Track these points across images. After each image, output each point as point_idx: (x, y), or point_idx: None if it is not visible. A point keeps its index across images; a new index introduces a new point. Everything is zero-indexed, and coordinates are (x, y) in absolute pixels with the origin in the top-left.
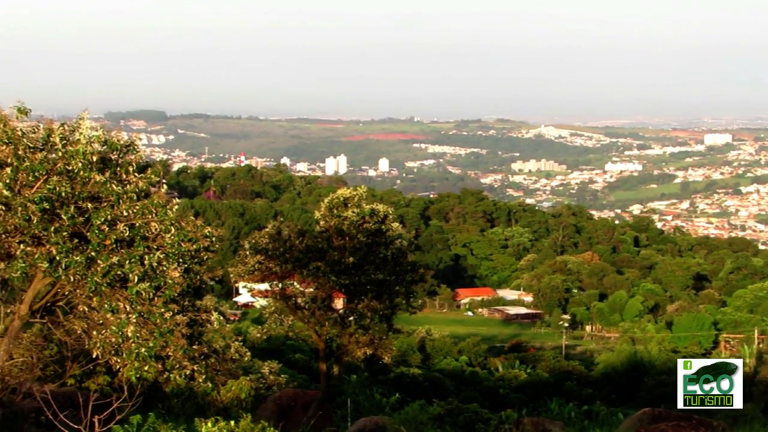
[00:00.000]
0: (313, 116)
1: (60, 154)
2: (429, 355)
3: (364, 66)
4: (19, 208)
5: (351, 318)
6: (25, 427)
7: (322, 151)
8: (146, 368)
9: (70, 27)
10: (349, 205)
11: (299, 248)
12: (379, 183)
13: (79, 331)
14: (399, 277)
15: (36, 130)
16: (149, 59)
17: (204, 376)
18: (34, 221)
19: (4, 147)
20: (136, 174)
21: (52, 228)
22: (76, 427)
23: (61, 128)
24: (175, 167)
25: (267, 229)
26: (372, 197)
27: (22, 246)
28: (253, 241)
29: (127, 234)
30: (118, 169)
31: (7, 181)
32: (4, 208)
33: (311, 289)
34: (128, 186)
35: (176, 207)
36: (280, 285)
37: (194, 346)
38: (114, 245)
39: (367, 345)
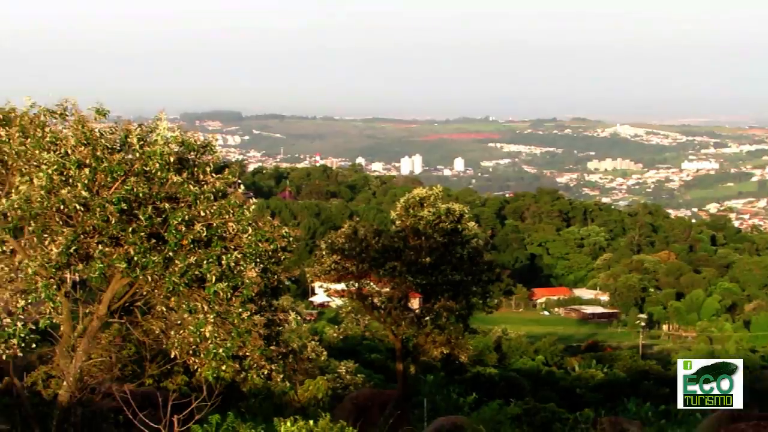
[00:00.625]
0: (388, 116)
1: (138, 154)
2: (505, 354)
3: (439, 65)
4: (98, 209)
5: (427, 318)
6: (104, 427)
7: (397, 151)
8: (224, 368)
9: (147, 29)
10: (425, 204)
11: (375, 248)
12: (454, 183)
13: (157, 331)
14: (475, 277)
15: (114, 131)
16: (225, 60)
17: (282, 376)
18: (112, 222)
19: (83, 148)
20: (213, 174)
21: (130, 228)
22: (155, 426)
23: (139, 129)
24: (251, 168)
25: (343, 229)
26: (447, 197)
27: (100, 246)
28: (330, 241)
29: (204, 234)
30: (195, 169)
31: (86, 182)
32: (82, 208)
33: (387, 289)
34: (205, 186)
35: (253, 207)
36: (356, 285)
37: (272, 346)
38: (191, 245)
39: (443, 344)
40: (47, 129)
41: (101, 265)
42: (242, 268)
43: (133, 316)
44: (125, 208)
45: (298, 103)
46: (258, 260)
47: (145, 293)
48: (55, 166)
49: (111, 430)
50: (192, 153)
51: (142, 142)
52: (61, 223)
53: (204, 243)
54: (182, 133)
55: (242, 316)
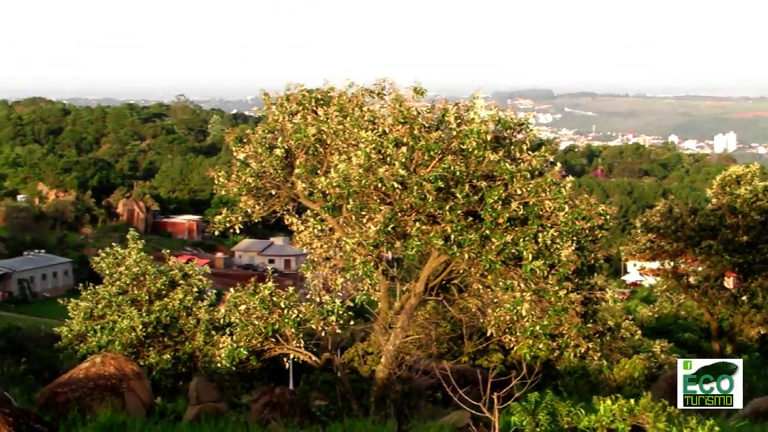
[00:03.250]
0: (702, 93)
1: (454, 133)
2: None
3: (752, 41)
4: (415, 187)
5: (744, 297)
6: (421, 404)
7: (710, 129)
8: (539, 346)
9: (459, 11)
10: (741, 182)
11: (691, 226)
12: None
13: (473, 309)
14: None
15: (430, 110)
16: (537, 38)
17: (599, 354)
18: (429, 200)
19: (400, 127)
20: (529, 153)
21: (447, 206)
22: (475, 403)
23: (455, 108)
24: (562, 146)
25: (658, 208)
26: (764, 175)
27: (417, 224)
28: (645, 219)
29: (520, 212)
30: (512, 147)
31: (403, 160)
32: (400, 187)
33: (702, 268)
34: (521, 164)
35: (569, 185)
36: (671, 263)
37: (589, 324)
38: (507, 223)
39: (760, 324)
40: (365, 108)
41: (418, 243)
42: (558, 246)
43: (450, 293)
44: (442, 186)
45: (610, 81)
46: (574, 238)
47: (461, 271)
48: (373, 145)
49: (428, 407)
50: (507, 131)
51: (459, 121)
52: (378, 201)
53: (520, 221)
54: (498, 111)
55: (559, 294)
